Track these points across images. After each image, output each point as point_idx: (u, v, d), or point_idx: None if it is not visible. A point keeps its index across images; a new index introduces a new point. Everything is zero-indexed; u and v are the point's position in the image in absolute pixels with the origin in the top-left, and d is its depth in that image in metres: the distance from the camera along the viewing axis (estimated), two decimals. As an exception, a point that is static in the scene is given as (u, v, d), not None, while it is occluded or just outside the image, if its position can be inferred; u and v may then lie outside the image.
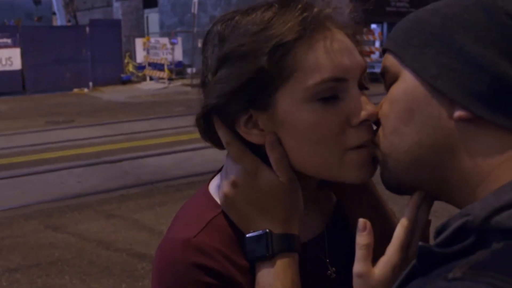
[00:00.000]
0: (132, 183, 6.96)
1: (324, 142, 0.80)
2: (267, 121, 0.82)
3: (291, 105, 0.79)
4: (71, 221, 5.71)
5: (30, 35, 17.88)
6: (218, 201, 0.88)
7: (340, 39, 0.81)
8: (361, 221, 0.74)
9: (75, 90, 17.64)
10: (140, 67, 19.38)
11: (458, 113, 0.63)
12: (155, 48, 18.85)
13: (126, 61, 19.61)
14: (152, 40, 19.63)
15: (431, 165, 0.67)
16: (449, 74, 0.64)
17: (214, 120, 0.85)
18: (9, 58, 17.45)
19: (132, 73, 19.51)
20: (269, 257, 0.80)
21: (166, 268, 0.83)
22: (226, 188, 0.84)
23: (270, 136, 0.81)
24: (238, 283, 0.83)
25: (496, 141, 0.62)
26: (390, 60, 0.72)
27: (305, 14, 0.79)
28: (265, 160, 0.84)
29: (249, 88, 0.79)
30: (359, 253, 0.72)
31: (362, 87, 0.83)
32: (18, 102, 15.84)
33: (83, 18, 27.18)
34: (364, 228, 0.74)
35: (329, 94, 0.79)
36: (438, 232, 0.60)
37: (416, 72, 0.67)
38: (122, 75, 19.03)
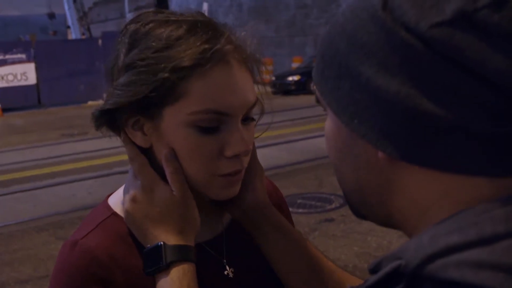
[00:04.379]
0: (142, 192, 7.00)
1: (195, 164, 0.86)
2: (151, 128, 0.87)
3: (173, 124, 0.84)
4: (81, 232, 5.77)
5: (44, 50, 18.18)
6: (112, 207, 0.94)
7: (236, 75, 0.85)
8: None
9: (90, 102, 17.85)
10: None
11: (380, 154, 0.57)
12: (168, 57, 18.95)
13: (139, 71, 19.75)
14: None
15: (374, 203, 0.63)
16: (363, 113, 0.57)
17: (122, 136, 0.90)
18: (24, 73, 17.78)
19: (145, 83, 19.62)
20: (164, 267, 0.83)
21: (55, 270, 0.89)
22: (126, 203, 0.88)
23: (167, 151, 0.86)
24: (119, 285, 0.86)
25: (425, 179, 0.56)
26: (317, 92, 0.65)
27: (207, 45, 0.83)
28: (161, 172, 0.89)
29: (142, 101, 0.84)
30: None
31: (248, 119, 0.89)
32: (34, 116, 16.08)
33: (97, 31, 27.48)
34: None
35: (210, 124, 0.84)
36: (371, 271, 0.56)
37: (335, 113, 0.61)
38: (136, 86, 19.15)
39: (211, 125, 0.84)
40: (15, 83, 17.66)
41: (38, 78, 17.91)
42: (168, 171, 0.86)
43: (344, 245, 4.91)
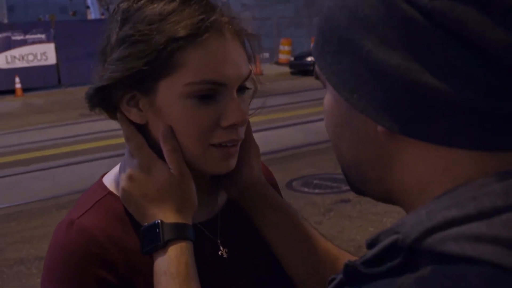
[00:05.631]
0: (160, 172, 7.06)
1: (192, 136, 0.85)
2: (147, 104, 0.86)
3: (169, 96, 0.84)
4: (100, 211, 5.84)
5: (64, 30, 18.25)
6: (107, 186, 0.93)
7: (231, 46, 0.86)
8: None
9: (109, 82, 17.91)
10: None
11: (379, 128, 0.57)
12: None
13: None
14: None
15: (373, 179, 0.62)
16: (363, 87, 0.56)
17: (118, 115, 0.90)
18: (44, 53, 17.90)
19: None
20: (162, 246, 0.83)
21: (52, 248, 0.88)
22: (123, 182, 0.87)
23: (164, 128, 0.86)
24: (116, 264, 0.86)
25: (425, 153, 0.56)
26: (317, 67, 0.65)
27: (202, 16, 0.83)
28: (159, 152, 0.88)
29: (138, 74, 0.84)
30: None
31: (243, 89, 0.89)
32: (53, 96, 16.22)
33: (116, 11, 27.46)
34: None
35: (206, 94, 0.84)
36: (368, 246, 0.56)
37: (335, 87, 0.60)
38: (154, 66, 19.24)
39: (207, 94, 0.84)
40: (35, 63, 17.78)
41: (57, 58, 18.00)
42: (165, 149, 0.86)
43: (360, 226, 4.91)
